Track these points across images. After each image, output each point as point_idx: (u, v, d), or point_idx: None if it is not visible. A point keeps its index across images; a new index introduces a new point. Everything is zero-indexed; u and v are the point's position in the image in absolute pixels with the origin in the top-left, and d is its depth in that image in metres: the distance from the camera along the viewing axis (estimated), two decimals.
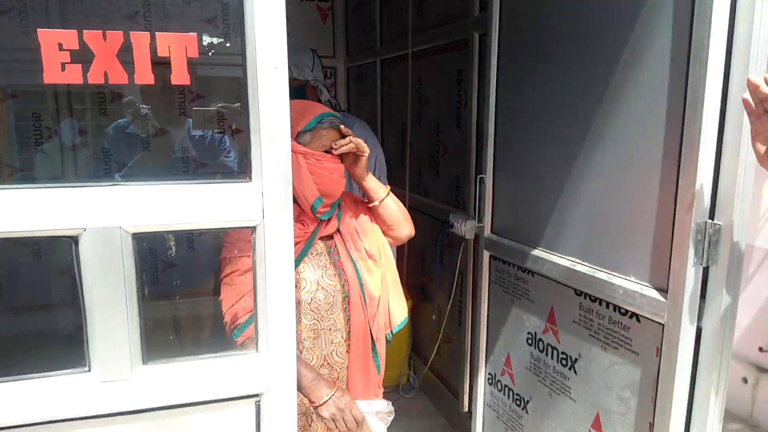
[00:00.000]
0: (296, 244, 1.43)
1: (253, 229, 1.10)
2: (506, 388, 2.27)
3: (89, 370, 1.06)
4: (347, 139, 1.53)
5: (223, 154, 2.19)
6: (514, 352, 2.21)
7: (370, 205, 1.66)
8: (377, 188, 1.64)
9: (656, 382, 1.59)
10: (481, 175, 2.27)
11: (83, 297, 1.03)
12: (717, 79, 1.39)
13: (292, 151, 1.38)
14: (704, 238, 1.43)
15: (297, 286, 1.46)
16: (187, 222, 1.05)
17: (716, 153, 1.42)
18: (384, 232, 1.68)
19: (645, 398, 1.64)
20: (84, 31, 0.95)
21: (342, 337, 1.57)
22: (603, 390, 1.79)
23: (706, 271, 1.47)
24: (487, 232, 2.30)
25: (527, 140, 2.07)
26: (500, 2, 2.18)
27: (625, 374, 1.70)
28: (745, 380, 4.34)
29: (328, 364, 1.57)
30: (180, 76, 1.01)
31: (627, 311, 1.67)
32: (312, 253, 1.56)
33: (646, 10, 1.57)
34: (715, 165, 1.43)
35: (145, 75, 0.99)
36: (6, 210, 0.98)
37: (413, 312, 3.42)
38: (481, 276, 2.35)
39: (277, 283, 1.12)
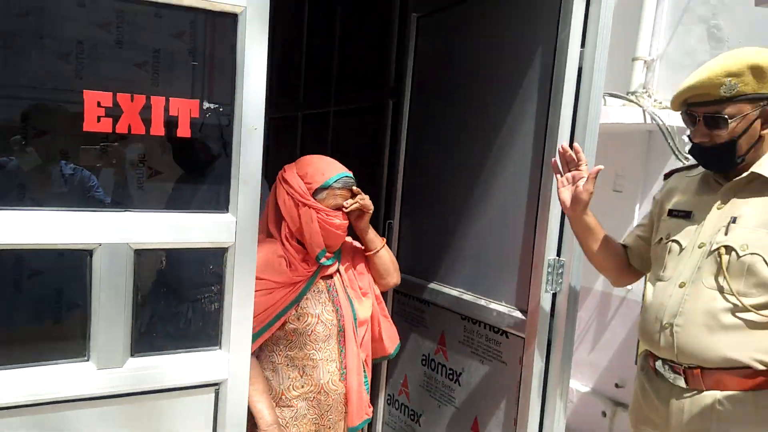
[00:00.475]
0: (300, 281, 1.71)
1: (226, 249, 1.43)
2: (402, 406, 2.65)
3: (88, 360, 1.33)
4: (357, 197, 1.77)
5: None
6: (410, 373, 2.61)
7: (367, 254, 1.90)
8: (375, 240, 1.89)
9: (519, 385, 2.05)
10: (390, 221, 2.71)
11: (91, 298, 1.30)
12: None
13: (308, 206, 1.67)
14: (553, 270, 1.93)
15: (300, 319, 1.72)
16: (180, 241, 1.37)
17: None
18: (375, 280, 1.93)
19: (511, 399, 2.09)
20: (117, 93, 1.27)
21: (336, 366, 1.78)
22: (480, 396, 2.22)
23: (554, 296, 1.97)
24: None
25: (428, 191, 2.53)
26: (412, 77, 2.67)
27: (497, 381, 2.15)
28: (604, 414, 5.02)
29: (325, 391, 1.78)
30: (184, 130, 1.34)
31: (499, 329, 2.13)
32: (314, 291, 1.76)
33: (517, 102, 2.10)
34: (562, 215, 1.94)
35: (158, 128, 1.32)
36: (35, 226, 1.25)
37: None
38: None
39: (241, 292, 1.45)
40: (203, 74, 1.41)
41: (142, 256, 1.35)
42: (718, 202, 1.57)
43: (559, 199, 1.75)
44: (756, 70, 1.44)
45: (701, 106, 1.53)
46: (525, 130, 2.05)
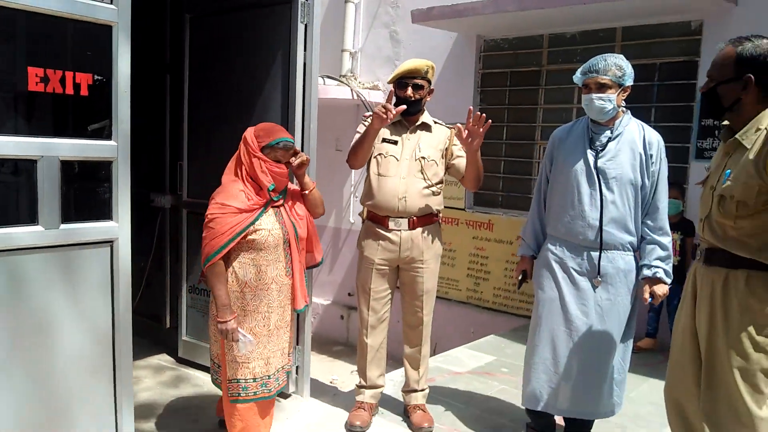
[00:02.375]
0: (256, 208, 2.55)
1: (111, 162, 2.43)
2: (203, 290, 3.76)
3: (38, 224, 2.23)
4: (300, 154, 2.69)
5: None
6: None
7: (303, 193, 2.80)
8: (308, 183, 2.78)
9: None
10: (180, 162, 3.76)
11: (37, 188, 2.21)
12: (299, 115, 3.27)
13: (257, 157, 2.55)
14: None
15: (257, 233, 2.55)
16: (86, 156, 2.33)
17: (301, 147, 3.29)
18: (308, 210, 2.82)
19: None
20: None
21: (283, 266, 2.65)
22: None
23: None
24: (185, 197, 3.79)
25: (207, 139, 3.65)
26: (189, 58, 3.73)
27: None
28: (342, 317, 6.64)
29: (275, 282, 2.62)
30: (84, 91, 2.32)
31: None
32: (267, 215, 2.59)
33: (269, 81, 3.36)
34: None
35: (70, 90, 2.27)
36: None
37: None
38: (181, 226, 3.80)
39: (122, 189, 2.46)
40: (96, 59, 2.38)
41: (64, 165, 2.28)
42: (407, 134, 2.93)
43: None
44: (432, 68, 2.91)
45: (413, 79, 2.84)
46: (275, 97, 3.34)
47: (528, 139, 5.49)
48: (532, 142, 5.41)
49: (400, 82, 2.90)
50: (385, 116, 2.71)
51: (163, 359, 4.00)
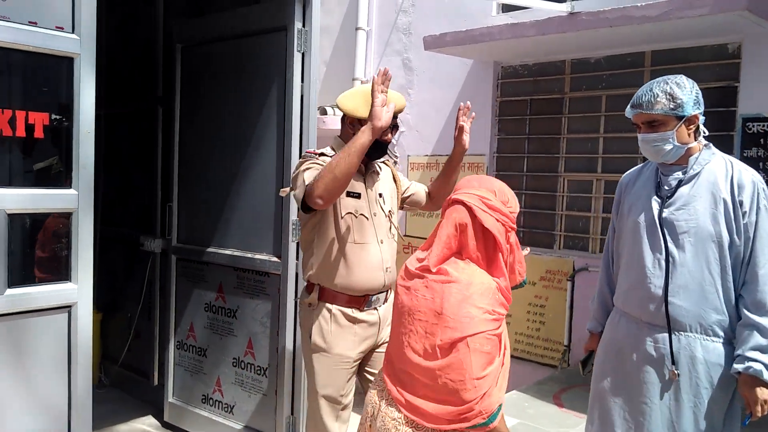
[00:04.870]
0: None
1: (71, 213, 2.09)
2: (191, 347, 3.40)
3: None
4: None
5: None
6: (196, 320, 3.37)
7: None
8: None
9: (278, 309, 2.99)
10: (169, 204, 3.43)
11: None
12: (296, 148, 2.92)
13: (514, 230, 1.79)
14: (295, 227, 2.91)
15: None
16: (40, 208, 1.99)
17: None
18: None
19: (274, 319, 3.03)
20: None
21: None
22: (252, 322, 3.12)
23: (297, 244, 2.97)
24: (174, 242, 3.45)
25: (200, 177, 3.33)
26: (180, 90, 3.42)
27: (263, 308, 3.07)
28: None
29: None
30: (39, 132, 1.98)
31: (263, 272, 3.05)
32: None
33: (264, 112, 3.03)
34: None
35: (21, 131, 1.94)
36: None
37: (103, 324, 4.21)
38: (170, 274, 3.46)
39: (83, 242, 2.12)
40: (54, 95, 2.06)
41: (12, 219, 1.95)
42: (367, 183, 2.32)
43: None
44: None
45: (395, 118, 2.24)
46: (271, 129, 3.00)
47: (551, 170, 5.09)
48: (555, 174, 5.02)
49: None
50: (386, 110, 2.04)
51: (148, 423, 3.62)
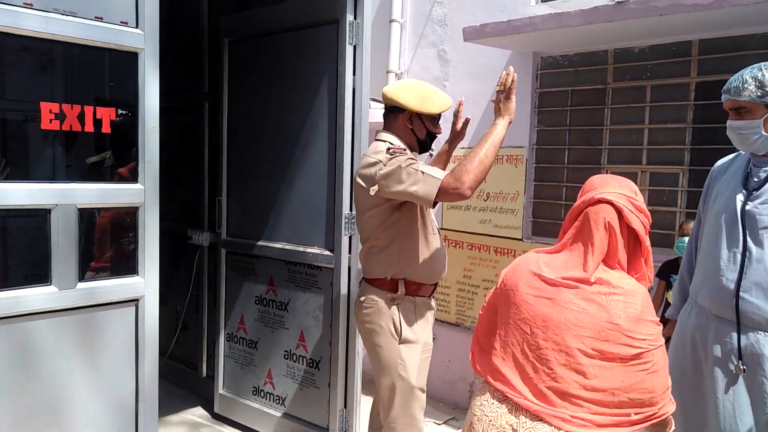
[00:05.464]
0: None
1: (137, 208, 2.11)
2: (241, 339, 3.43)
3: (50, 284, 1.92)
4: None
5: None
6: (246, 312, 3.40)
7: None
8: None
9: (331, 302, 3.00)
10: (219, 197, 3.45)
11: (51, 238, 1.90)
12: (348, 142, 2.92)
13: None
14: (348, 221, 2.91)
15: None
16: (110, 203, 2.02)
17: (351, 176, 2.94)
18: None
19: (326, 313, 3.03)
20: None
21: None
22: (304, 316, 3.13)
23: (350, 238, 2.96)
24: (224, 236, 3.47)
25: (249, 171, 3.35)
26: (228, 84, 3.43)
27: (315, 301, 3.08)
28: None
29: None
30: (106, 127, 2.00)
31: (314, 266, 3.06)
32: None
33: (315, 105, 3.03)
34: (351, 184, 2.93)
35: (89, 127, 1.96)
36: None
37: None
38: (220, 267, 3.49)
39: (150, 237, 2.14)
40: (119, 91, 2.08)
41: (82, 214, 1.97)
42: None
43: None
44: None
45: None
46: (321, 123, 3.01)
47: (593, 162, 5.01)
48: (597, 166, 4.94)
49: (438, 116, 2.45)
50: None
51: (198, 414, 3.67)
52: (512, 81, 2.34)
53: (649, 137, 4.51)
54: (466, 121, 2.53)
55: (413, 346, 2.32)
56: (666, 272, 3.56)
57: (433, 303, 2.44)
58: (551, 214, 4.92)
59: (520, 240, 5.19)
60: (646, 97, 4.59)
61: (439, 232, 2.46)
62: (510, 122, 2.23)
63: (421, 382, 2.34)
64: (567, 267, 1.61)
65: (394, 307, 2.32)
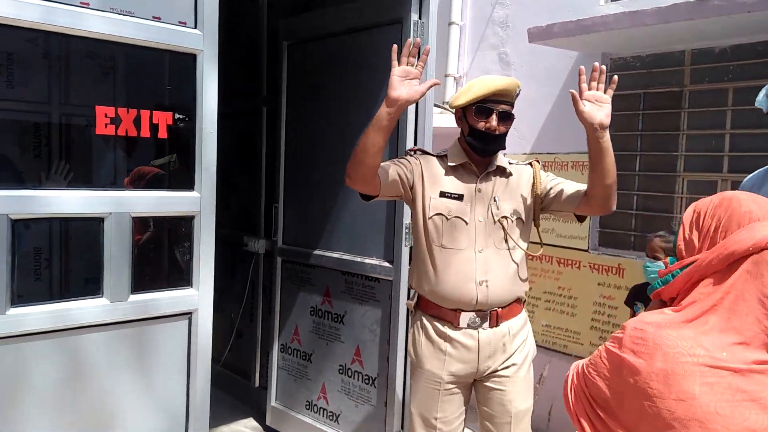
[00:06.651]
0: None
1: (194, 216, 2.02)
2: (295, 350, 3.32)
3: (102, 296, 1.84)
4: None
5: None
6: (301, 323, 3.29)
7: None
8: None
9: (389, 316, 2.85)
10: (275, 204, 3.36)
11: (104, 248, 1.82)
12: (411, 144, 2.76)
13: None
14: (408, 231, 2.76)
15: None
16: (165, 212, 1.93)
17: None
18: None
19: (384, 327, 2.88)
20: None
21: None
22: (360, 329, 2.99)
23: (410, 249, 2.80)
24: (280, 244, 3.38)
25: (307, 178, 3.24)
26: (287, 89, 3.34)
27: (373, 315, 2.93)
28: None
29: None
30: (162, 133, 1.92)
31: (372, 277, 2.92)
32: None
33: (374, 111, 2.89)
34: None
35: (146, 132, 1.88)
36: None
37: None
38: (275, 275, 3.40)
39: (205, 247, 2.05)
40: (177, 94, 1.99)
41: (136, 222, 1.89)
42: (478, 184, 2.10)
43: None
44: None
45: (500, 103, 1.99)
46: None
47: (667, 170, 4.69)
48: (673, 174, 4.62)
49: (481, 107, 2.03)
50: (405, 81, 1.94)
51: (250, 426, 3.58)
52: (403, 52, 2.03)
53: (731, 143, 4.19)
54: (581, 73, 2.09)
55: (416, 369, 2.15)
56: (633, 298, 3.13)
57: (458, 335, 2.05)
58: (620, 224, 4.63)
59: (586, 251, 4.91)
60: (728, 100, 4.25)
61: (480, 251, 2.06)
62: (387, 97, 1.98)
63: (420, 408, 2.11)
64: (728, 339, 1.15)
65: (412, 319, 2.21)
